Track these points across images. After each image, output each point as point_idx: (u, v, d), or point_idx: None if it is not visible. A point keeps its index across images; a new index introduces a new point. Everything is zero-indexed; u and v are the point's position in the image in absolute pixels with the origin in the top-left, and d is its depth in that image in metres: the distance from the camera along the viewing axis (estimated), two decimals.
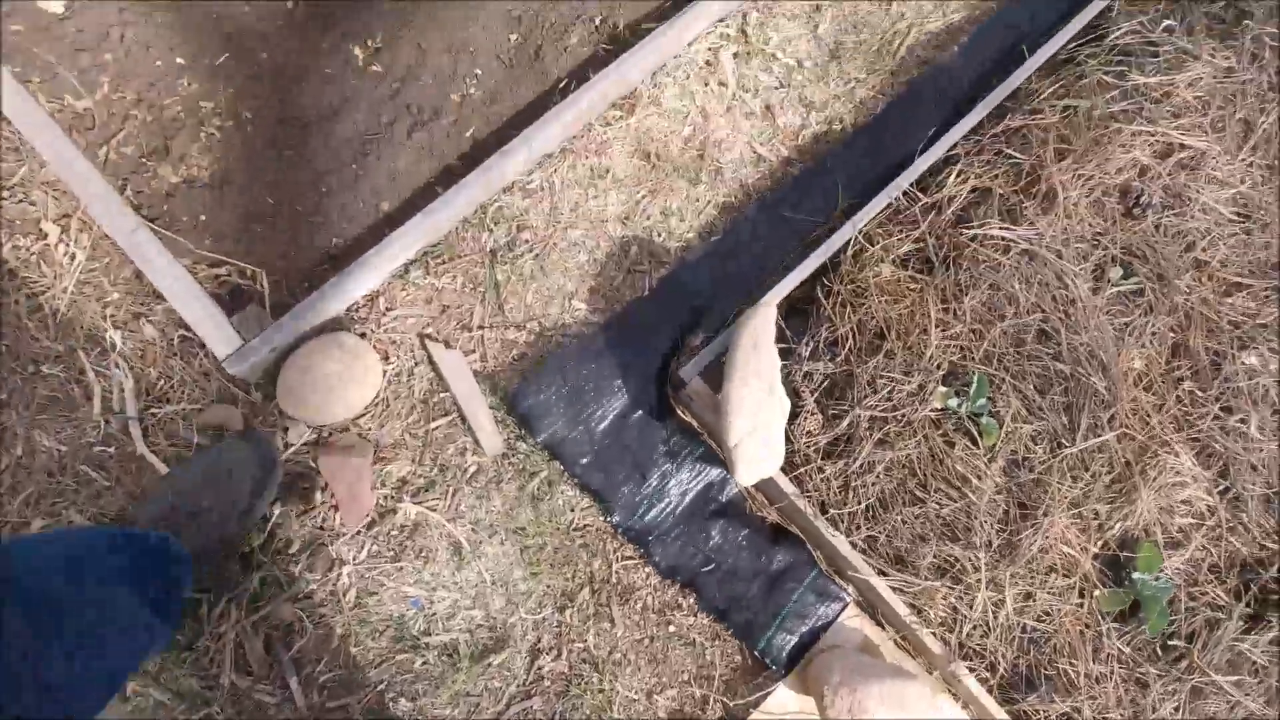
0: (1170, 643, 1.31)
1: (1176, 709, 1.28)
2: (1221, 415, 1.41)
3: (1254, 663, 1.32)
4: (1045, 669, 1.28)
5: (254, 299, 1.25)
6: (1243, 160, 1.54)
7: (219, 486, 1.19)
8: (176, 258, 1.22)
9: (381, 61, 1.36)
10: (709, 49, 1.55)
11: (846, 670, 1.24)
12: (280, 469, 1.24)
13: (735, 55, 1.57)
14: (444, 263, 1.38)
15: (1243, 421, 1.41)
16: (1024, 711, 1.27)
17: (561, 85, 1.43)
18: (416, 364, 1.34)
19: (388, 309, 1.34)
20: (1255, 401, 1.42)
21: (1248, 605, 1.35)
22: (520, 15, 1.43)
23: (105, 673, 0.92)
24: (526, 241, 1.41)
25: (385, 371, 1.32)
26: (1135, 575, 1.30)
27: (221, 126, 1.31)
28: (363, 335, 1.32)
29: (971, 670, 1.27)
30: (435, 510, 1.31)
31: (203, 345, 1.26)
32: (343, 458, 1.27)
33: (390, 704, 1.24)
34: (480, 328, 1.38)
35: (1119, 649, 1.29)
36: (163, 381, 1.26)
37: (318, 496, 1.27)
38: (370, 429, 1.31)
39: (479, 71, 1.39)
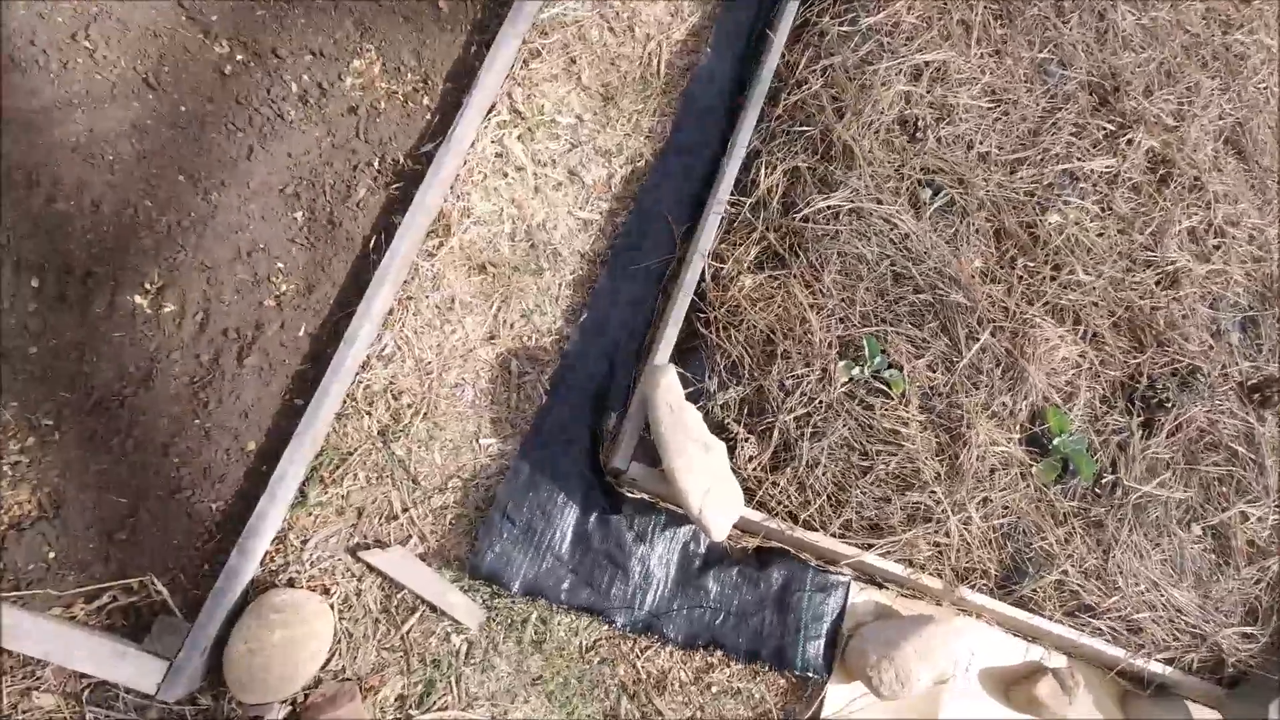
0: (1103, 480, 1.50)
1: (1130, 530, 1.46)
2: (1055, 274, 1.60)
3: (1164, 459, 1.54)
4: (1026, 553, 1.43)
5: (157, 610, 1.12)
6: (976, 55, 1.73)
7: None
8: (39, 614, 1.06)
9: (171, 299, 1.23)
10: (493, 142, 1.53)
11: (878, 645, 1.32)
12: None
13: (519, 136, 1.55)
14: (336, 468, 1.29)
15: (1071, 272, 1.61)
16: (1026, 597, 1.41)
17: (371, 242, 1.36)
18: (359, 580, 1.26)
19: (303, 542, 1.24)
20: (1072, 250, 1.63)
21: (1139, 416, 1.56)
22: (296, 190, 1.34)
23: None
24: (409, 406, 1.35)
25: (332, 605, 1.23)
26: (1055, 441, 1.46)
27: (23, 448, 1.14)
28: (290, 583, 1.22)
29: (971, 586, 1.39)
30: (447, 709, 1.24)
31: (120, 689, 1.12)
32: (331, 713, 1.17)
33: None
34: (404, 510, 1.31)
35: (1070, 506, 1.46)
36: None
37: None
38: (344, 666, 1.22)
39: (281, 265, 1.29)
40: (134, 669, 1.06)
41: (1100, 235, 1.67)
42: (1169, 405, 1.56)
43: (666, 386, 1.28)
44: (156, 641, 1.09)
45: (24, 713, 1.10)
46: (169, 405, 1.19)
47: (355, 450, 1.30)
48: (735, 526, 1.40)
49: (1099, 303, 1.61)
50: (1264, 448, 1.60)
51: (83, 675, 1.11)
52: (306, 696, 1.19)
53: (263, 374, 1.23)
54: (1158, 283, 1.67)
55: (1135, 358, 1.60)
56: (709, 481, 1.24)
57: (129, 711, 1.13)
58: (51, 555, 1.11)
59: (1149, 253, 1.69)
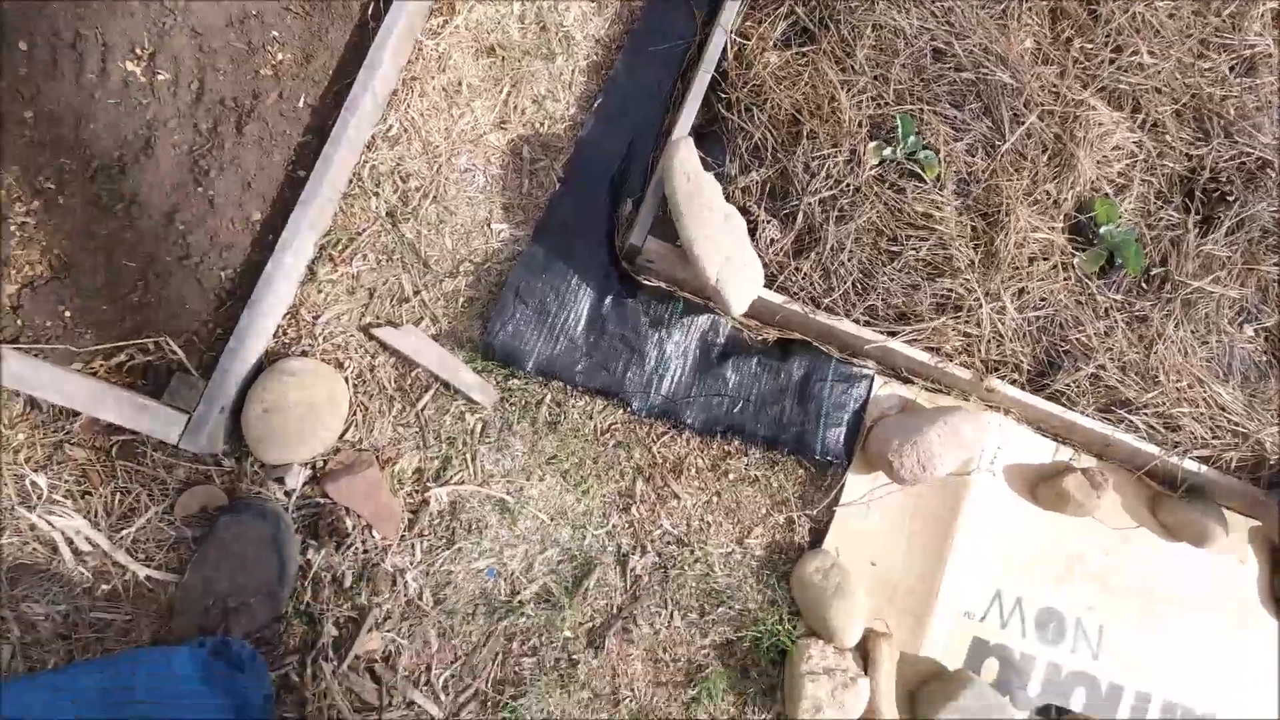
0: (1151, 274, 1.40)
1: (1177, 326, 1.38)
2: (1115, 56, 1.46)
3: (1220, 258, 1.43)
4: (1060, 346, 1.36)
5: (174, 369, 1.13)
6: None
7: (241, 567, 1.11)
8: (63, 366, 1.08)
9: (164, 67, 1.18)
10: None
11: (901, 431, 1.29)
12: (287, 519, 1.17)
13: None
14: (346, 248, 1.26)
15: (1134, 54, 1.46)
16: (1059, 391, 1.36)
17: (370, 9, 1.28)
18: (373, 357, 1.25)
19: (315, 318, 1.24)
20: (1138, 30, 1.47)
21: (1197, 213, 1.45)
22: None
23: None
24: (418, 189, 1.31)
25: (347, 379, 1.23)
26: (1101, 230, 1.36)
27: (29, 210, 1.13)
28: (304, 354, 1.22)
29: (1002, 378, 1.34)
30: (464, 484, 1.26)
31: (146, 440, 1.15)
32: (349, 478, 1.19)
33: (516, 667, 1.23)
34: (416, 293, 1.29)
35: (1112, 299, 1.38)
36: (120, 496, 1.15)
37: (348, 524, 1.20)
38: (360, 439, 1.23)
39: (276, 34, 1.23)
40: (156, 420, 1.08)
41: (1171, 16, 1.50)
42: (1231, 200, 1.44)
43: (684, 158, 1.21)
44: (175, 396, 1.10)
45: (58, 463, 1.14)
46: (170, 173, 1.16)
47: (364, 231, 1.27)
48: (756, 317, 1.36)
49: (1162, 88, 1.46)
50: None
51: (110, 430, 1.14)
52: (326, 462, 1.22)
53: (263, 144, 1.19)
54: (1232, 68, 1.51)
55: (1198, 149, 1.47)
56: (727, 250, 1.18)
57: (157, 469, 1.16)
58: (67, 314, 1.12)
59: (1225, 36, 1.52)
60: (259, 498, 1.18)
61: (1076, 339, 1.35)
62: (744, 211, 1.30)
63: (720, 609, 1.30)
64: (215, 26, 1.20)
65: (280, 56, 1.22)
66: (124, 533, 1.14)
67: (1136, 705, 1.39)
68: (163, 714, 0.90)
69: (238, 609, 1.11)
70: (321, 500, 1.20)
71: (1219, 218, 1.44)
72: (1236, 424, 1.38)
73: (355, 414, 1.23)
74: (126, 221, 1.14)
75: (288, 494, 1.19)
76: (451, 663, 1.23)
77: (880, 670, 1.27)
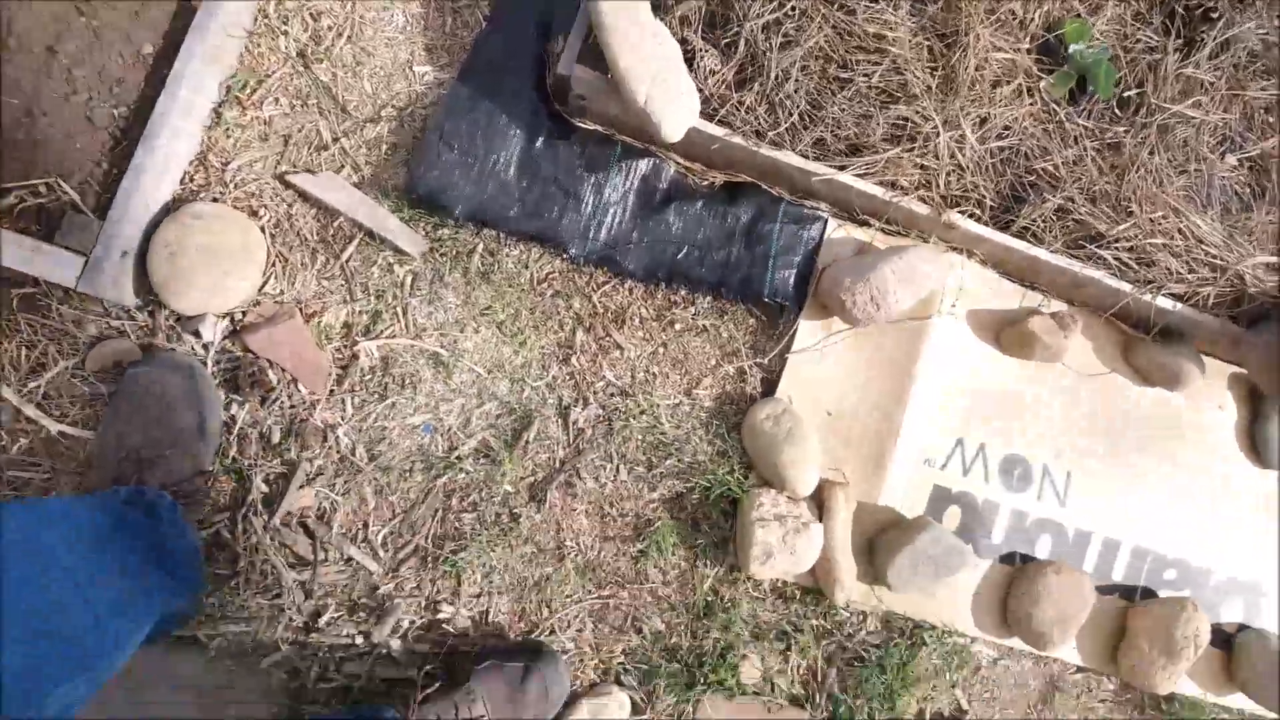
0: (1125, 97, 1.31)
1: (1152, 153, 1.29)
2: None
3: (1202, 82, 1.33)
4: (1025, 178, 1.27)
5: (67, 211, 1.06)
6: None
7: (156, 420, 1.07)
8: None
9: None
10: None
11: (854, 270, 1.22)
12: (204, 371, 1.12)
13: None
14: (254, 90, 1.18)
15: None
16: (1024, 228, 1.28)
17: None
18: (290, 206, 1.19)
19: (224, 164, 1.16)
20: None
21: (1179, 34, 1.34)
22: None
23: (114, 634, 0.83)
24: (330, 28, 1.22)
25: (263, 229, 1.17)
26: (1071, 50, 1.26)
27: None
28: (215, 200, 1.15)
29: (963, 213, 1.26)
30: (395, 337, 1.21)
31: (49, 292, 1.10)
32: (270, 329, 1.14)
33: (456, 523, 1.20)
34: (335, 140, 1.21)
35: (1082, 126, 1.28)
36: (26, 350, 1.10)
37: (272, 378, 1.15)
38: (282, 291, 1.18)
39: None
40: (50, 261, 1.02)
41: None
42: (1216, 19, 1.33)
43: None
44: (68, 237, 1.04)
45: None
46: (48, 2, 1.08)
47: (274, 74, 1.19)
48: (697, 157, 1.27)
49: None
50: None
51: (9, 282, 1.08)
52: (245, 314, 1.16)
53: None
54: None
55: None
56: (656, 69, 1.09)
57: (65, 323, 1.11)
58: None
59: None
60: (172, 350, 1.13)
61: (1043, 169, 1.27)
62: (682, 42, 1.20)
63: (668, 462, 1.26)
64: None
65: None
66: (32, 386, 1.10)
67: (1104, 552, 1.35)
68: (74, 562, 0.86)
69: (153, 461, 1.06)
70: (242, 354, 1.16)
71: (1202, 39, 1.33)
72: (1214, 256, 1.29)
73: (274, 265, 1.17)
74: (4, 55, 1.06)
75: (205, 347, 1.14)
76: (389, 519, 1.20)
77: (835, 518, 1.23)
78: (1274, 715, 1.37)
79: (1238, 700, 1.38)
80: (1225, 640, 1.38)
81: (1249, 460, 1.41)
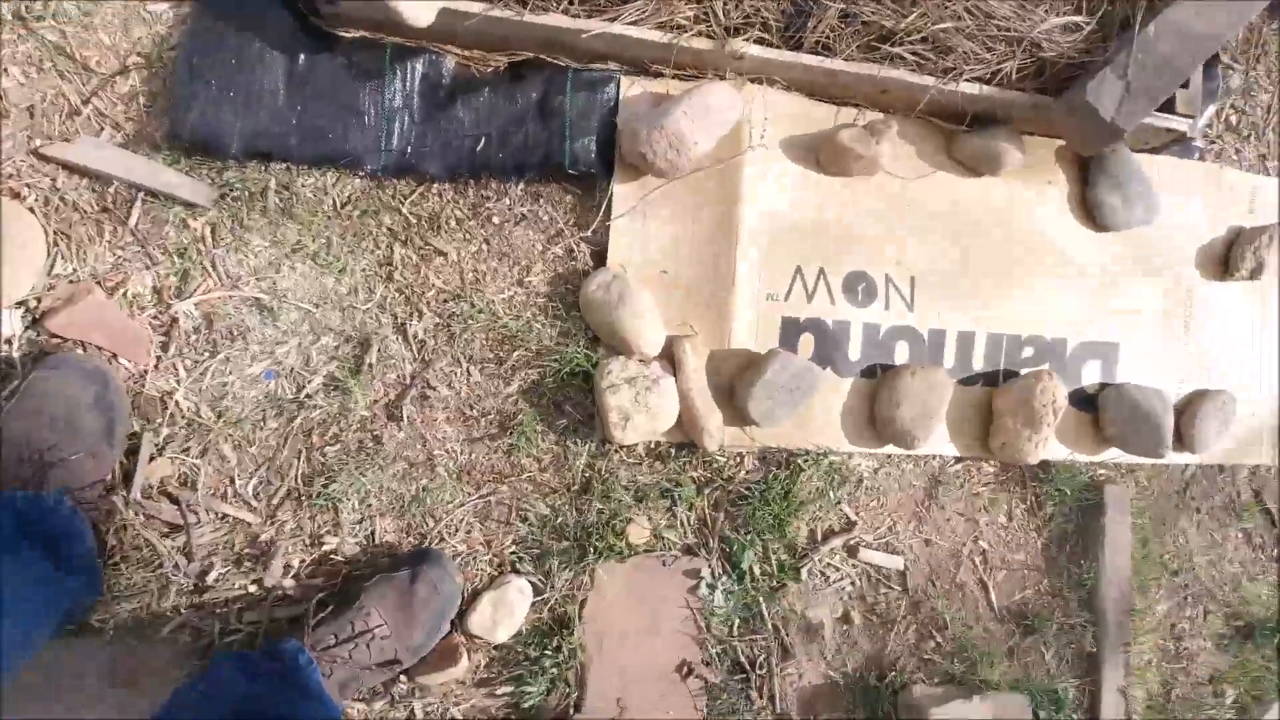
0: None
1: None
2: None
3: None
4: None
5: None
6: None
7: (61, 422, 1.05)
8: None
9: None
10: None
11: (647, 121, 1.20)
12: (114, 375, 1.11)
13: None
14: None
15: None
16: (816, 43, 1.26)
17: None
18: (54, 180, 1.14)
19: None
20: None
21: None
22: None
23: (13, 637, 0.85)
24: None
25: (33, 209, 1.12)
26: None
27: None
28: None
29: (749, 40, 1.24)
30: (210, 292, 1.18)
31: None
32: (70, 309, 1.11)
33: (320, 459, 1.21)
34: (86, 102, 1.15)
35: None
36: None
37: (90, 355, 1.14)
38: (74, 270, 1.14)
39: None
40: None
41: None
42: None
43: None
44: None
45: None
46: None
47: None
48: (463, 41, 1.23)
49: None
50: None
51: None
52: (39, 303, 1.13)
53: None
54: None
55: None
56: None
57: None
58: None
59: None
60: (76, 355, 1.11)
61: None
62: None
63: (517, 353, 1.27)
64: None
65: None
66: None
67: (961, 346, 1.39)
68: None
69: (55, 464, 1.05)
70: (52, 341, 1.13)
71: None
72: (1008, 30, 1.29)
73: (56, 245, 1.13)
74: None
75: (7, 342, 1.11)
76: (254, 470, 1.20)
77: (687, 369, 1.25)
78: (1146, 460, 1.45)
79: (1112, 455, 1.46)
80: (1090, 401, 1.44)
81: (1086, 227, 1.44)
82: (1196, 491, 1.61)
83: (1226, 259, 1.53)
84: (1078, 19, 1.31)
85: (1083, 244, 1.44)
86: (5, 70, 1.12)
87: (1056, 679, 1.44)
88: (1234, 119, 1.64)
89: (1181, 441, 1.45)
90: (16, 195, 1.12)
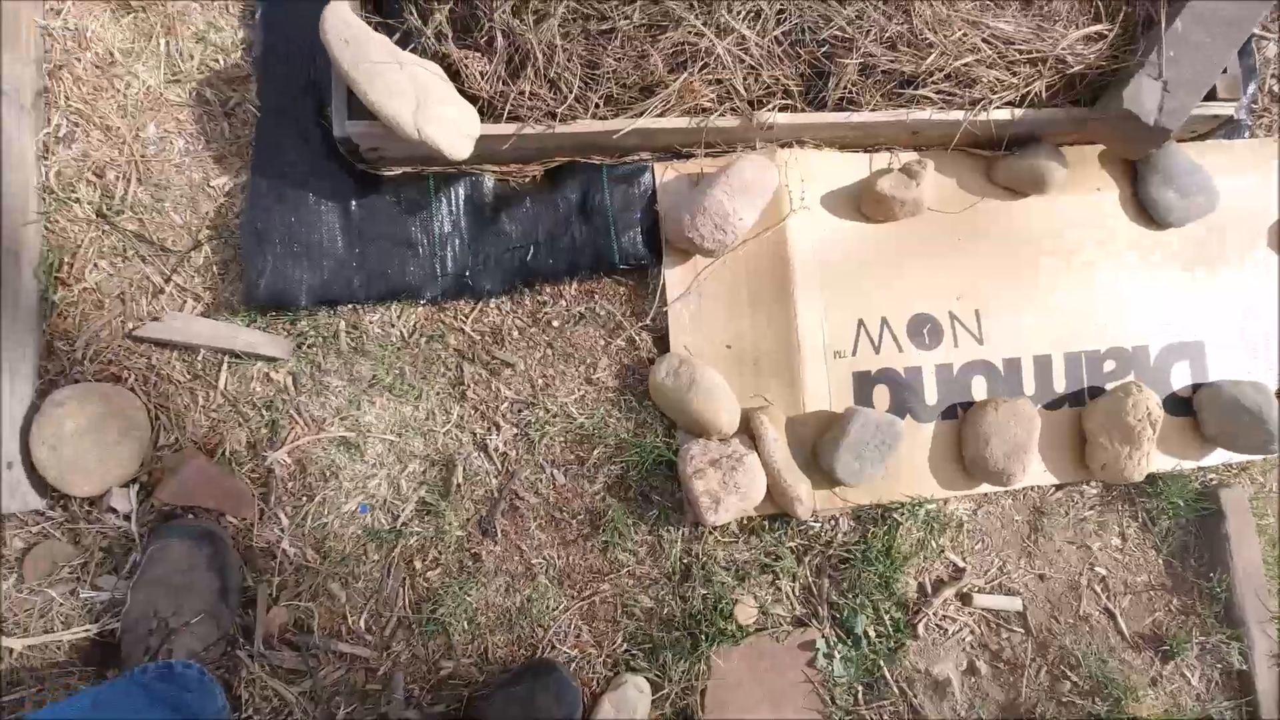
0: None
1: None
2: None
3: None
4: (820, 51, 1.26)
5: None
6: None
7: (182, 588, 1.11)
8: None
9: None
10: None
11: (688, 204, 1.23)
12: (224, 535, 1.17)
13: None
14: (71, 264, 1.20)
15: None
16: (840, 99, 1.27)
17: None
18: (149, 358, 1.21)
19: (71, 345, 1.18)
20: None
21: None
22: None
23: None
24: (118, 178, 1.22)
25: (133, 389, 1.19)
26: None
27: None
28: (76, 381, 1.17)
29: (774, 109, 1.25)
30: (299, 438, 1.23)
31: None
32: (177, 478, 1.17)
33: (425, 585, 1.23)
34: (167, 280, 1.22)
35: None
36: None
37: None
38: (175, 439, 1.20)
39: None
40: None
41: None
42: None
43: (336, 23, 1.11)
44: None
45: None
46: None
47: (81, 241, 1.20)
48: (502, 160, 1.28)
49: None
50: None
51: None
52: (149, 475, 1.19)
53: None
54: None
55: None
56: (415, 96, 1.10)
57: None
58: None
59: None
60: (189, 520, 1.17)
61: (831, 37, 1.25)
62: (442, 58, 1.20)
63: (597, 451, 1.28)
64: None
65: None
66: None
67: (1039, 370, 1.35)
68: None
69: (179, 630, 1.10)
70: (163, 510, 1.19)
71: None
72: (1029, 51, 1.28)
73: (158, 418, 1.20)
74: None
75: (126, 518, 1.17)
76: (364, 605, 1.23)
77: (768, 442, 1.24)
78: (1256, 456, 1.38)
79: (1218, 456, 1.39)
80: (1185, 405, 1.38)
81: (1144, 226, 1.40)
82: None
83: None
84: (1099, 28, 1.30)
85: (1146, 245, 1.40)
86: (95, 265, 1.21)
87: (1209, 704, 1.35)
88: (1277, 87, 1.59)
89: None
90: (118, 379, 1.19)
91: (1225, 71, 1.34)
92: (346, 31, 1.11)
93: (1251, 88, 1.45)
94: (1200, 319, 1.41)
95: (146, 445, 1.18)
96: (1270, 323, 1.43)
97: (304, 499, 1.22)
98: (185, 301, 1.23)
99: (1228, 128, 1.45)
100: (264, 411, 1.23)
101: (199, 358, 1.22)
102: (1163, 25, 1.26)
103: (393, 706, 1.20)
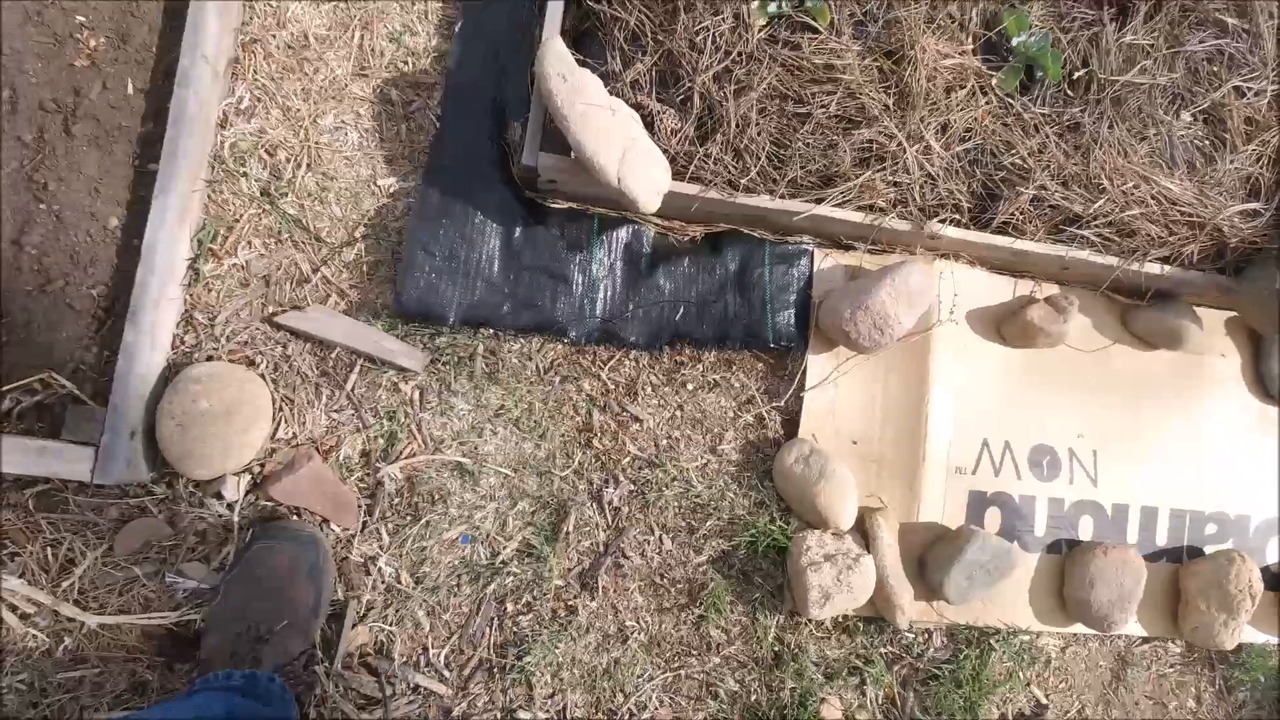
0: (1074, 78, 1.33)
1: (1110, 126, 1.31)
2: None
3: (1143, 47, 1.36)
4: (996, 175, 1.29)
5: (67, 403, 1.04)
6: None
7: (278, 593, 1.05)
8: None
9: None
10: None
11: (850, 298, 1.23)
12: (326, 544, 1.13)
13: None
14: (226, 239, 1.17)
15: None
16: (1004, 223, 1.29)
17: None
18: (284, 347, 1.17)
19: (211, 319, 1.15)
20: None
21: (1111, 5, 1.37)
22: None
23: None
24: (288, 160, 1.20)
25: (263, 375, 1.15)
26: (1014, 43, 1.28)
27: None
28: (210, 359, 1.13)
29: (944, 221, 1.28)
30: (415, 455, 1.20)
31: (64, 485, 1.07)
32: (292, 477, 1.12)
33: (514, 627, 1.19)
34: (315, 271, 1.20)
35: (1039, 113, 1.30)
36: (51, 549, 1.08)
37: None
38: (294, 434, 1.16)
39: (82, 19, 1.10)
40: (60, 460, 1.00)
41: None
42: None
43: (554, 58, 1.11)
44: (74, 431, 1.02)
45: None
46: (6, 195, 1.06)
47: (241, 217, 1.17)
48: (675, 216, 1.28)
49: None
50: (1258, 14, 1.41)
51: (20, 484, 1.06)
52: (263, 466, 1.15)
53: (100, 142, 1.08)
54: None
55: None
56: (622, 144, 1.10)
57: (84, 512, 1.09)
58: None
59: None
60: (295, 523, 1.12)
61: (1011, 163, 1.28)
62: (637, 107, 1.21)
63: (709, 522, 1.26)
64: (11, 26, 1.08)
65: (93, 43, 1.10)
66: (65, 585, 1.07)
67: (1144, 521, 1.37)
68: None
69: (269, 639, 1.04)
70: (269, 505, 1.14)
71: (1134, 5, 1.36)
72: (1190, 214, 1.32)
73: (281, 410, 1.16)
74: None
75: (229, 507, 1.12)
76: (448, 639, 1.18)
77: (882, 545, 1.23)
78: None
79: None
80: (1276, 579, 1.40)
81: (1259, 399, 1.44)
82: None
83: None
84: (1256, 205, 1.35)
85: (1259, 415, 1.43)
86: (249, 242, 1.18)
87: None
88: None
89: None
90: (251, 363, 1.15)
91: None
92: (561, 67, 1.11)
93: None
94: None
95: (266, 436, 1.14)
96: None
97: (408, 518, 1.18)
98: (329, 296, 1.20)
99: None
100: (385, 421, 1.19)
101: (333, 355, 1.18)
102: None
103: None
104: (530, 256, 1.24)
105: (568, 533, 1.21)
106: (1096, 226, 1.30)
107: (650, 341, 1.25)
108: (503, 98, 1.26)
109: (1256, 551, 1.40)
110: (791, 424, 1.29)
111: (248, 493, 1.13)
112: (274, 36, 1.22)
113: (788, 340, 1.26)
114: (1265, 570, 1.40)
